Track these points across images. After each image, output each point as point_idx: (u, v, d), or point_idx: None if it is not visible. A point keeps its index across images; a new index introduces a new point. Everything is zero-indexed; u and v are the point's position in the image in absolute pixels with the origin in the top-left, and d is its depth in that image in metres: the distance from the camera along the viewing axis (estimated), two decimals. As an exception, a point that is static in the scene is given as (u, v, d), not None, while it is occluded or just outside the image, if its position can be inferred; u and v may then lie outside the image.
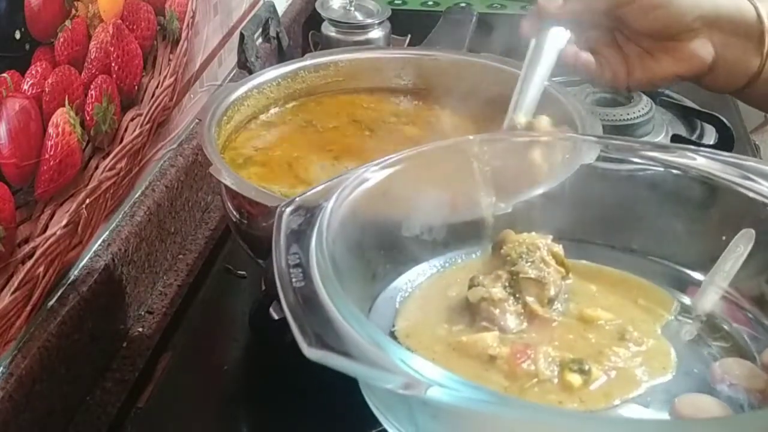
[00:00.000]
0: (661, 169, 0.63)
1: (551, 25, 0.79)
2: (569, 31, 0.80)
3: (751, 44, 0.77)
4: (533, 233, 0.61)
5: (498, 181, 0.64)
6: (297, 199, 0.56)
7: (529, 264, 0.58)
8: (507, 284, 0.58)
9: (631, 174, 0.64)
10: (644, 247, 0.64)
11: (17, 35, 0.66)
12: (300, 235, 0.53)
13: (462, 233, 0.64)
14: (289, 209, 0.55)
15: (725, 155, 0.62)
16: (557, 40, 0.79)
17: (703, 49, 0.77)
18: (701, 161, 0.61)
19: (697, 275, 0.63)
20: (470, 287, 0.59)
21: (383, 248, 0.62)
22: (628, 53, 0.80)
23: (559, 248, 0.60)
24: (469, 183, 0.65)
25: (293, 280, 0.49)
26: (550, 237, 0.61)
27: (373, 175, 0.60)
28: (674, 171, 0.63)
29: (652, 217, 0.64)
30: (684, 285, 0.63)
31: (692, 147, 0.63)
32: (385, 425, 0.49)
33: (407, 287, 0.63)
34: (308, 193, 0.57)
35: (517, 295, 0.57)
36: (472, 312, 0.58)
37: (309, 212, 0.55)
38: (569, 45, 0.80)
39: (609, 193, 0.64)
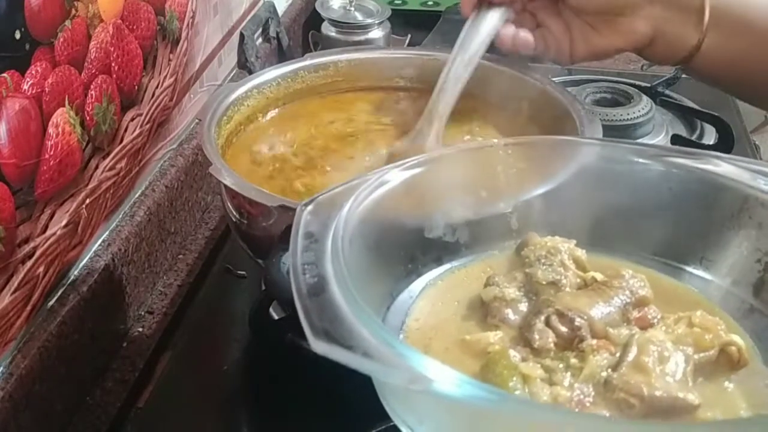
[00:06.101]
0: (662, 168, 0.63)
1: (489, 6, 0.80)
2: (507, 11, 0.81)
3: (691, 19, 0.78)
4: (557, 237, 0.61)
5: (520, 183, 0.65)
6: (317, 198, 0.56)
7: (544, 268, 0.58)
8: (522, 285, 0.58)
9: (634, 175, 0.64)
10: (648, 247, 0.64)
11: (17, 35, 0.66)
12: (317, 234, 0.53)
13: (485, 235, 0.64)
14: (308, 208, 0.55)
15: (750, 162, 0.62)
16: (491, 23, 0.80)
17: (645, 22, 0.79)
18: (726, 168, 0.61)
19: (699, 272, 0.63)
20: (486, 286, 0.59)
21: (404, 249, 0.62)
22: (571, 25, 0.81)
23: (581, 253, 0.60)
24: (491, 185, 0.65)
25: (307, 276, 0.49)
26: (573, 242, 0.60)
27: (394, 176, 0.61)
28: (675, 170, 0.63)
29: (656, 216, 0.64)
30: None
31: (720, 154, 0.63)
32: (396, 421, 0.49)
33: (428, 286, 0.63)
34: (328, 193, 0.57)
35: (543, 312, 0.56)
36: (485, 310, 0.58)
37: (327, 212, 0.55)
38: (507, 25, 0.81)
39: (613, 194, 0.64)
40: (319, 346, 0.44)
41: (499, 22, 0.80)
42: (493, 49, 0.82)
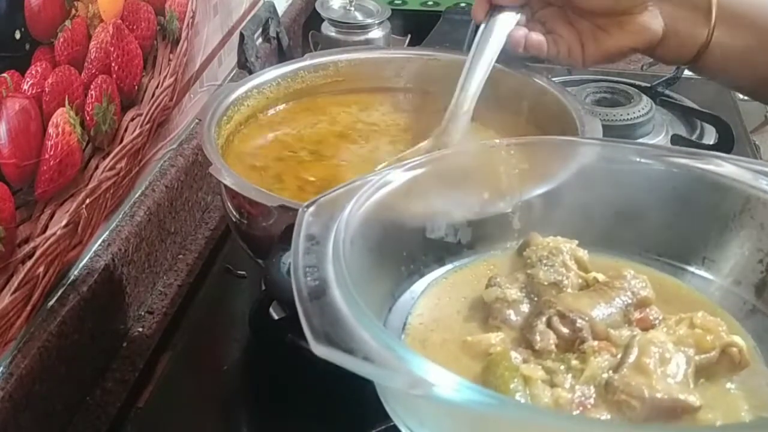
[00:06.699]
0: (664, 168, 0.63)
1: (500, 9, 0.81)
2: (519, 14, 0.82)
3: (700, 15, 0.79)
4: (558, 237, 0.61)
5: (521, 184, 0.65)
6: (318, 200, 0.56)
7: (546, 268, 0.58)
8: (523, 286, 0.58)
9: (636, 175, 0.64)
10: (650, 247, 0.64)
11: (17, 35, 0.66)
12: (318, 236, 0.53)
13: (487, 235, 0.64)
14: (310, 210, 0.55)
15: (752, 162, 0.62)
16: (505, 24, 0.81)
17: (654, 21, 0.79)
18: (728, 168, 0.61)
19: (701, 272, 0.63)
20: (487, 286, 0.59)
21: (406, 249, 0.62)
22: (581, 30, 0.82)
23: (583, 254, 0.60)
24: (493, 185, 0.65)
25: (308, 279, 0.49)
26: (575, 242, 0.60)
27: (397, 177, 0.61)
28: (676, 171, 0.63)
29: (658, 216, 0.64)
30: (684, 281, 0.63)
31: (721, 154, 0.63)
32: (397, 423, 0.49)
33: (430, 286, 0.63)
34: (329, 195, 0.57)
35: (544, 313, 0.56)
36: (486, 311, 0.58)
37: (329, 213, 0.55)
38: (518, 28, 0.82)
39: (615, 195, 0.64)
40: (319, 350, 0.44)
41: (512, 22, 0.81)
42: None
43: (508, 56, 0.83)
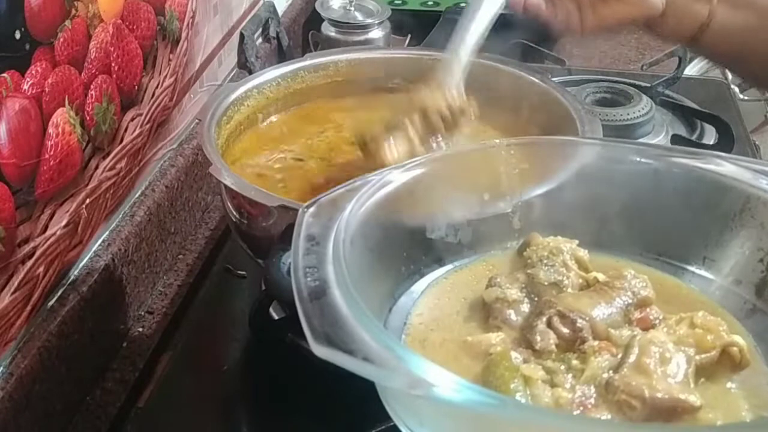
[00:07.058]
0: (664, 168, 0.63)
1: None
2: None
3: None
4: (559, 237, 0.61)
5: (521, 183, 0.65)
6: (319, 200, 0.56)
7: (546, 268, 0.58)
8: (524, 286, 0.58)
9: (636, 174, 0.64)
10: (651, 247, 0.64)
11: (17, 35, 0.66)
12: (318, 236, 0.53)
13: (487, 235, 0.64)
14: (310, 210, 0.55)
15: (752, 161, 0.62)
16: None
17: None
18: (728, 167, 0.61)
19: (701, 272, 0.63)
20: (488, 287, 0.59)
21: (406, 249, 0.62)
22: (581, 1, 0.81)
23: (583, 253, 0.60)
24: (493, 185, 0.65)
25: (308, 279, 0.49)
26: (576, 242, 0.60)
27: (397, 177, 0.61)
28: (677, 170, 0.63)
29: (658, 216, 0.64)
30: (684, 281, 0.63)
31: (722, 153, 0.63)
32: (397, 423, 0.49)
33: (431, 285, 0.63)
34: (329, 195, 0.57)
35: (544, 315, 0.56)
36: (487, 311, 0.58)
37: (329, 213, 0.55)
38: None
39: (615, 194, 0.64)
40: (320, 350, 0.44)
41: None
42: (494, 49, 0.83)
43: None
